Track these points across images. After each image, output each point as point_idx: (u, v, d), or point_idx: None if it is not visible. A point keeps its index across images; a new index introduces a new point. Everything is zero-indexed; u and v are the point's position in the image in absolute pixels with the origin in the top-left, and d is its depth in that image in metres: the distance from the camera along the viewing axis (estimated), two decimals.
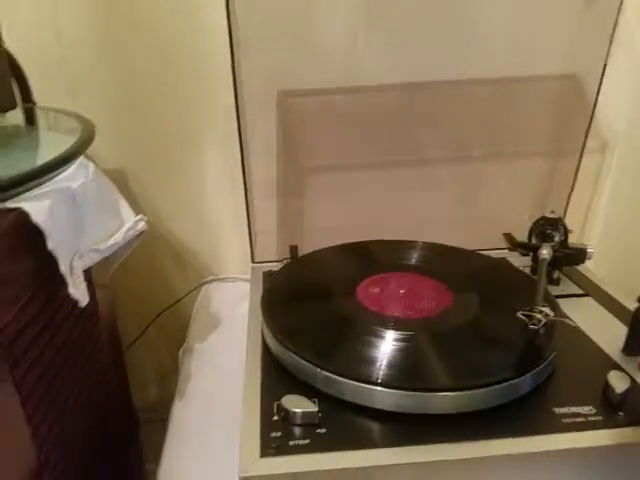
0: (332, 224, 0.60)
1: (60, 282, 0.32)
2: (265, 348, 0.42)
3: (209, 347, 0.52)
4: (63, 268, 0.31)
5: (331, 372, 0.36)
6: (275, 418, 0.35)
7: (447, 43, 0.54)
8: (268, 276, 0.54)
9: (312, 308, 0.43)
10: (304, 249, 0.56)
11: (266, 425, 0.34)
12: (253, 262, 0.58)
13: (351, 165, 0.60)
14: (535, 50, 0.54)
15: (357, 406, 0.35)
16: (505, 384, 0.34)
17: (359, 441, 0.32)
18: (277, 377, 0.38)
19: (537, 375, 0.36)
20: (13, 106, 0.43)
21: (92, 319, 0.44)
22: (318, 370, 0.36)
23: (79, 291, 0.32)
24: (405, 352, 0.37)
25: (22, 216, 0.29)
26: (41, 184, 0.32)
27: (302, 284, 0.48)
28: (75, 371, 0.39)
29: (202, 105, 0.61)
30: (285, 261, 0.55)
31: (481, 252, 0.54)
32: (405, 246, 0.53)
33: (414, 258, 0.51)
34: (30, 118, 0.48)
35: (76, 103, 0.53)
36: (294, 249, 0.57)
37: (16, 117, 0.46)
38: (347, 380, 0.35)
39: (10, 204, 0.30)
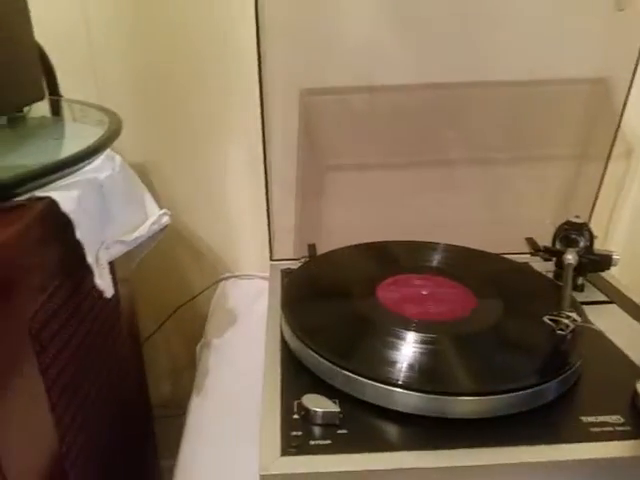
0: (351, 223, 0.60)
1: (86, 272, 0.32)
2: (284, 346, 0.41)
3: (227, 343, 0.52)
4: (90, 258, 0.32)
5: (351, 372, 0.35)
6: (295, 417, 0.34)
7: (473, 43, 0.53)
8: (287, 274, 0.53)
9: (333, 307, 0.43)
10: (322, 248, 0.55)
11: (286, 423, 0.34)
12: (271, 260, 0.58)
13: (372, 165, 0.60)
14: (564, 53, 0.53)
15: (378, 407, 0.34)
16: (530, 390, 0.34)
17: (380, 443, 0.32)
18: (296, 375, 0.38)
19: (563, 382, 0.35)
20: (41, 97, 0.43)
21: (114, 313, 0.44)
22: (338, 369, 0.36)
23: (105, 282, 0.32)
24: (427, 354, 0.37)
25: (51, 205, 0.30)
26: (69, 174, 0.32)
27: (322, 282, 0.48)
28: (97, 364, 0.40)
29: (226, 102, 0.61)
30: (303, 259, 0.55)
31: (502, 256, 0.53)
32: (427, 247, 0.52)
33: (436, 260, 0.51)
34: (57, 110, 0.48)
35: (101, 96, 0.54)
36: (312, 248, 0.57)
37: (43, 109, 0.46)
38: (368, 381, 0.35)
39: (39, 193, 0.30)
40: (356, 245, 0.53)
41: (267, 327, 0.46)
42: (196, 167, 0.64)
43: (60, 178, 0.31)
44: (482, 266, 0.49)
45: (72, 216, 0.30)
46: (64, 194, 0.30)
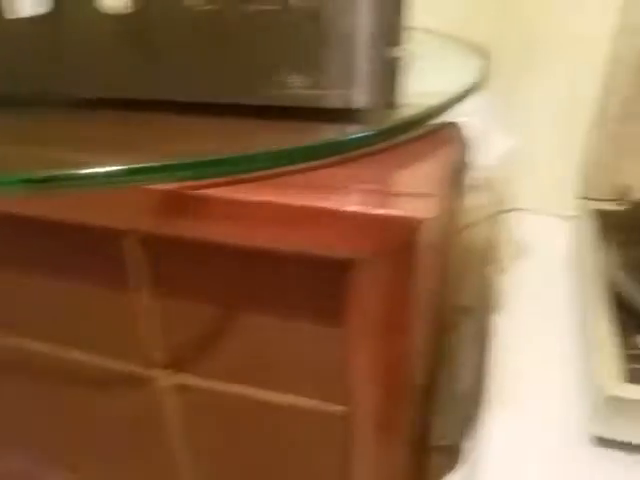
0: None
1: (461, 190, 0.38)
2: (609, 286, 0.42)
3: (523, 272, 0.55)
4: (472, 178, 0.37)
5: None
6: (633, 352, 0.36)
7: None
8: (600, 215, 0.52)
9: None
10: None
11: (624, 357, 0.36)
12: (580, 197, 0.57)
13: None
14: None
15: None
16: None
17: None
18: (624, 315, 0.39)
19: None
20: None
21: None
22: None
23: (474, 199, 0.38)
24: None
25: (459, 130, 0.35)
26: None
27: None
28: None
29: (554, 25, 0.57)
30: (619, 202, 0.53)
31: None
32: None
33: None
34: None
35: None
36: (629, 190, 0.54)
37: None
38: None
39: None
40: None
41: (583, 267, 0.47)
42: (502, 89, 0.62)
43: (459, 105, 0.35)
44: None
45: (471, 141, 0.35)
46: (467, 120, 0.35)
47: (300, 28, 0.29)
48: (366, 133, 0.31)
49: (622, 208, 0.52)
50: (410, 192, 0.27)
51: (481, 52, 0.44)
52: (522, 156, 0.67)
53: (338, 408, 0.36)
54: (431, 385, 0.61)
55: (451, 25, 0.51)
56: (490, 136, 0.42)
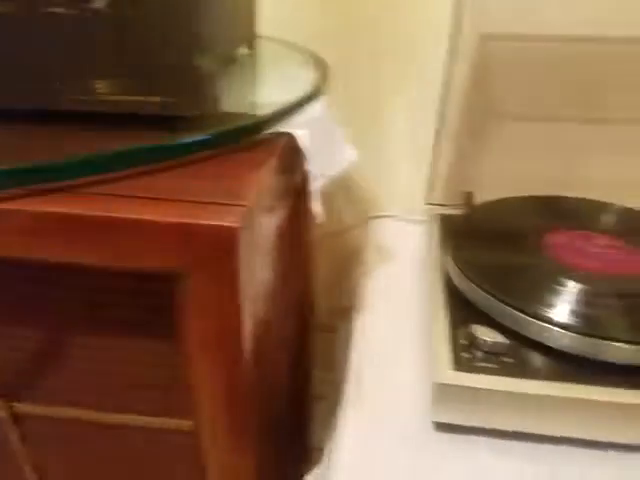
0: (514, 175, 0.61)
1: (304, 199, 0.39)
2: (448, 284, 0.46)
3: (383, 276, 0.58)
4: (314, 186, 0.38)
5: (516, 309, 0.40)
6: (463, 342, 0.39)
7: None
8: (444, 219, 0.57)
9: (503, 251, 0.47)
10: (480, 197, 0.58)
11: (455, 347, 0.39)
12: (427, 203, 0.62)
13: (546, 117, 0.59)
14: None
15: (540, 344, 0.39)
16: None
17: (540, 373, 0.37)
18: (459, 309, 0.43)
19: None
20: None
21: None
22: (505, 307, 0.40)
23: (318, 207, 0.39)
24: (590, 302, 0.40)
25: (292, 139, 0.36)
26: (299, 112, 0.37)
27: (494, 228, 0.52)
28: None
29: (402, 39, 0.62)
30: (460, 207, 0.58)
31: None
32: (602, 208, 0.53)
33: (613, 221, 0.52)
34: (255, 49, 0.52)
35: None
36: (469, 195, 0.60)
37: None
38: (532, 319, 0.39)
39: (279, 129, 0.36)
40: (527, 197, 0.56)
41: (428, 266, 0.51)
42: (358, 102, 0.64)
43: (291, 117, 0.36)
44: None
45: (307, 150, 0.36)
46: (301, 131, 0.36)
47: (110, 34, 0.28)
48: (188, 141, 0.30)
49: (463, 212, 0.57)
50: (227, 202, 0.27)
51: (322, 62, 0.46)
52: (381, 165, 0.71)
53: (184, 423, 0.35)
54: (303, 388, 0.61)
55: (297, 35, 0.53)
56: (334, 145, 0.43)
